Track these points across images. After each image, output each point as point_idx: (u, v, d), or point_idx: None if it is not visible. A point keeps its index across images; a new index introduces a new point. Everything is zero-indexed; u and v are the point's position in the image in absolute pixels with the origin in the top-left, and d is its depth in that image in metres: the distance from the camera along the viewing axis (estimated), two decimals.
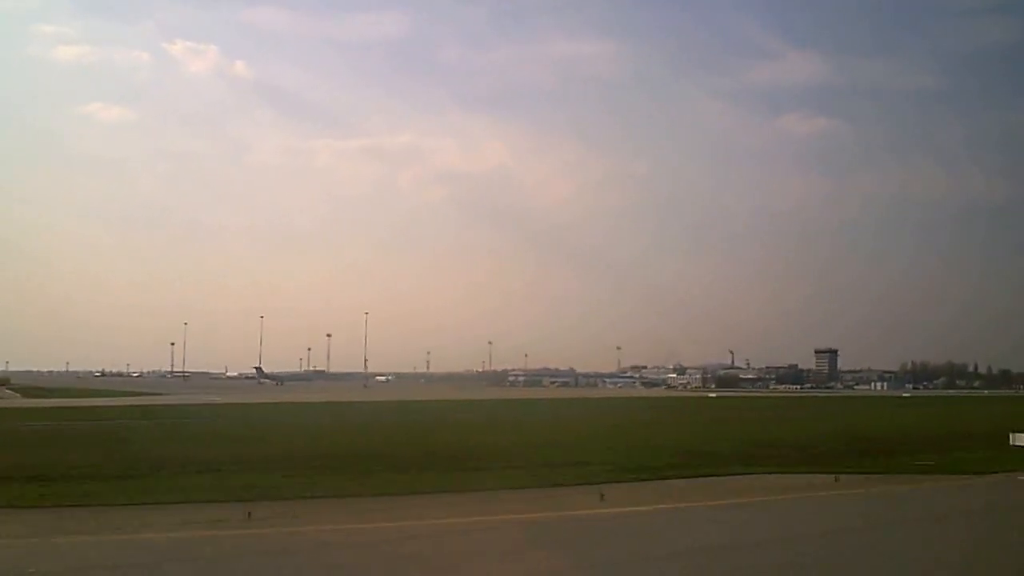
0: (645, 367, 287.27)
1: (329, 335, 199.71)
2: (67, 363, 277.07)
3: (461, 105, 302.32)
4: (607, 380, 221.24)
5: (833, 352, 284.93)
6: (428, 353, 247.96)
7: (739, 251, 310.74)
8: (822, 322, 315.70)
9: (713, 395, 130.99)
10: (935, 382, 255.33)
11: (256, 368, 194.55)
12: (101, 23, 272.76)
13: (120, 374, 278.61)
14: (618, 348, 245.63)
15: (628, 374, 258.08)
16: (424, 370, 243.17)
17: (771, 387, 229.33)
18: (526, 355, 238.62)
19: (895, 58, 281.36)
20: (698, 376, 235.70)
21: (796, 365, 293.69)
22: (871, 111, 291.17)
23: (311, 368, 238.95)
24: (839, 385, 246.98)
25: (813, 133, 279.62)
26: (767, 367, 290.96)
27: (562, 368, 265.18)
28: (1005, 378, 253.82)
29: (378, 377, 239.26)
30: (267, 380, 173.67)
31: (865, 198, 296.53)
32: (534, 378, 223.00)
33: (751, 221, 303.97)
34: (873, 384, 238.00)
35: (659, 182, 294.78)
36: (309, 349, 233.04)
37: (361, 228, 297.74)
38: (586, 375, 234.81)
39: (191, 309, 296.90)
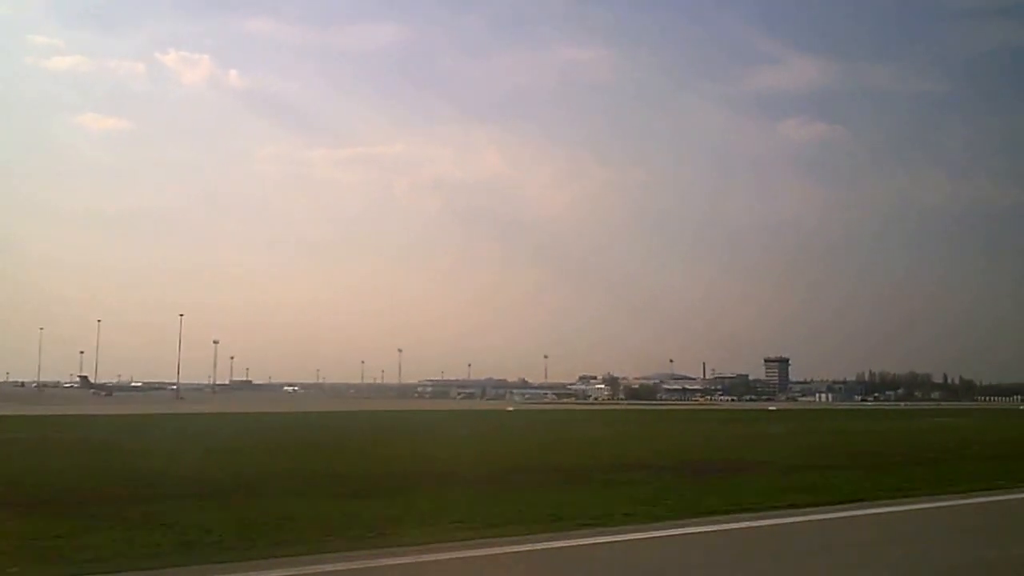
0: (594, 377, 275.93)
1: (216, 341, 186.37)
2: (7, 372, 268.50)
3: (458, 113, 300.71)
4: (515, 392, 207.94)
5: (784, 361, 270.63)
6: (363, 362, 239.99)
7: (734, 260, 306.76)
8: (812, 331, 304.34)
9: (598, 407, 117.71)
10: (887, 393, 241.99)
11: (81, 377, 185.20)
12: (93, 34, 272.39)
13: (44, 384, 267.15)
14: (545, 357, 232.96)
15: (578, 385, 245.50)
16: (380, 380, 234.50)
17: (695, 397, 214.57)
18: (469, 364, 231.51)
19: (897, 62, 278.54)
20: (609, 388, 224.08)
21: (747, 375, 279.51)
22: (872, 116, 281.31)
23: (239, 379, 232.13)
24: (783, 396, 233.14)
25: (813, 139, 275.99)
26: (716, 376, 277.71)
27: (511, 379, 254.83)
28: (967, 389, 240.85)
29: (286, 388, 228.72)
30: (96, 390, 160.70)
31: (865, 204, 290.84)
32: (442, 389, 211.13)
33: (747, 229, 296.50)
34: (818, 395, 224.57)
35: (657, 190, 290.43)
36: (232, 357, 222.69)
37: (358, 237, 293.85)
38: (497, 385, 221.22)
39: (180, 316, 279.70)
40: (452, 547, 9.89)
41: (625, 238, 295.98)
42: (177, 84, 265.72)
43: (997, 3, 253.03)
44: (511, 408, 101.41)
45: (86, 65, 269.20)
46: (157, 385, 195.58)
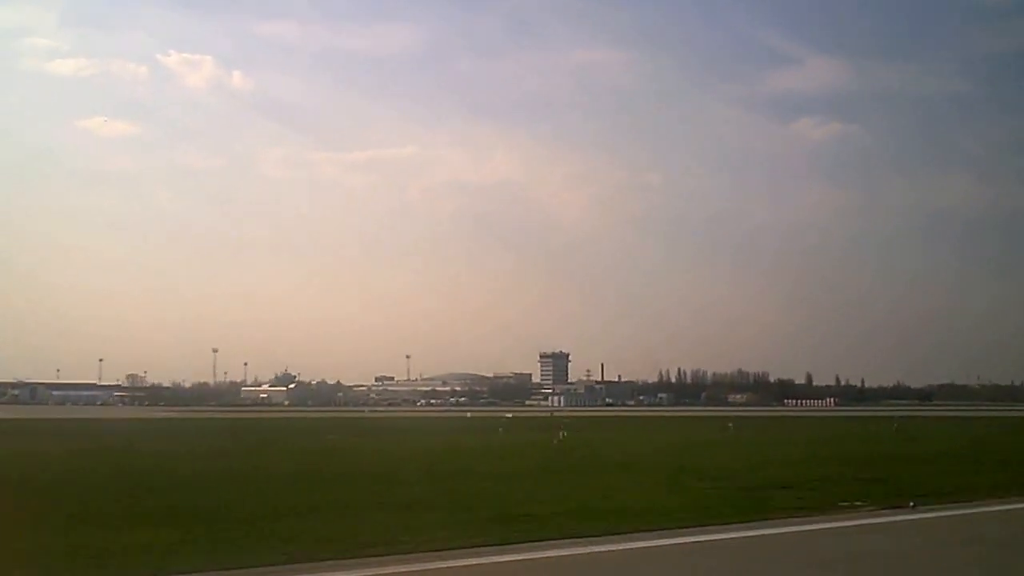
0: (391, 378, 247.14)
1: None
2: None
3: (472, 115, 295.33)
4: (55, 393, 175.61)
5: (561, 356, 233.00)
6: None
7: (741, 262, 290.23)
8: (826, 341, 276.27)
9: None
10: (659, 396, 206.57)
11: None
12: (93, 35, 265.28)
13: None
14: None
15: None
16: None
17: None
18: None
19: (918, 63, 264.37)
20: None
21: (530, 375, 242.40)
22: (893, 117, 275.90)
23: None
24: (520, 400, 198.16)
25: (829, 139, 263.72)
26: (496, 376, 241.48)
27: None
28: (780, 391, 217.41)
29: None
30: None
31: (884, 206, 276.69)
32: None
33: (757, 232, 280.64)
34: (552, 399, 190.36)
35: (673, 192, 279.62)
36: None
37: (368, 238, 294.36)
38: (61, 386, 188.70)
39: (191, 319, 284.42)
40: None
41: (631, 241, 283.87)
42: (181, 86, 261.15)
43: (1019, 2, 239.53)
44: None
45: (89, 68, 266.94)
46: None
